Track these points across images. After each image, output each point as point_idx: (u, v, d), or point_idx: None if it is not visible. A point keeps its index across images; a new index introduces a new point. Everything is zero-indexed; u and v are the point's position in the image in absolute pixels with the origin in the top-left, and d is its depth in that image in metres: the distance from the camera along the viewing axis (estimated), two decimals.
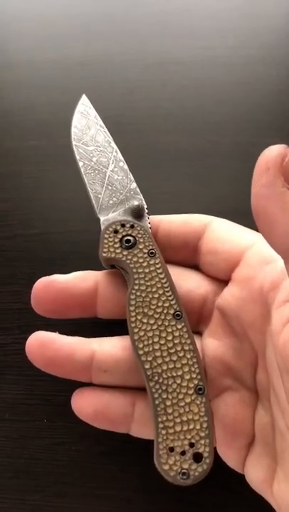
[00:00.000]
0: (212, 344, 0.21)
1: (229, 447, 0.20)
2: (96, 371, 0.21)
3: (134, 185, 0.24)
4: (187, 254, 0.23)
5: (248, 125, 0.29)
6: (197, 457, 0.18)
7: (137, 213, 0.22)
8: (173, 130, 0.30)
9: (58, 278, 0.22)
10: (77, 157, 0.25)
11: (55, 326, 0.26)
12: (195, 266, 0.23)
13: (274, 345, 0.18)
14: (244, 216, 0.23)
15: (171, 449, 0.18)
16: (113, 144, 0.26)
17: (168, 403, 0.18)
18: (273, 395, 0.19)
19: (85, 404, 0.21)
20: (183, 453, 0.18)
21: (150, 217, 0.23)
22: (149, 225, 0.22)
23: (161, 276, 0.20)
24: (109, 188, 0.24)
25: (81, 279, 0.22)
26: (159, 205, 0.24)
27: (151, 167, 0.29)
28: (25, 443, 0.24)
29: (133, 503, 0.23)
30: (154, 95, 0.31)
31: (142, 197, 0.24)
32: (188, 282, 0.22)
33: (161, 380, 0.19)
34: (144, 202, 0.23)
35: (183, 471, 0.18)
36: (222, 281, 0.22)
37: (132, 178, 0.25)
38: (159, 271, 0.20)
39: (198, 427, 0.18)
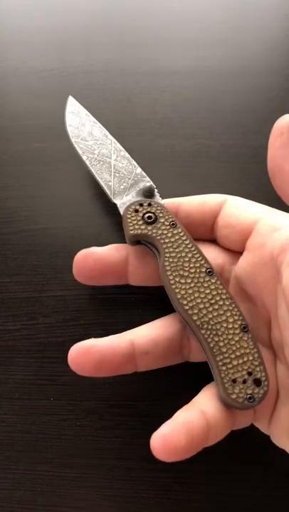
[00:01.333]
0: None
1: (260, 407, 0.21)
2: (139, 356, 0.22)
3: (138, 169, 0.26)
4: (205, 230, 0.25)
5: (237, 129, 0.31)
6: (257, 382, 0.20)
7: (150, 193, 0.25)
8: (168, 134, 0.32)
9: (95, 249, 0.25)
10: (80, 152, 0.27)
11: (60, 312, 0.28)
12: (212, 241, 0.25)
13: (285, 299, 0.20)
14: None
15: (234, 381, 0.20)
16: (110, 136, 0.28)
17: (221, 344, 0.21)
18: (287, 348, 0.21)
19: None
20: (244, 381, 0.20)
21: (169, 199, 0.25)
22: (162, 202, 0.25)
23: (187, 242, 0.23)
24: (117, 175, 0.26)
25: (115, 250, 0.24)
26: None
27: (148, 168, 0.31)
28: (34, 419, 0.26)
29: (134, 472, 0.25)
30: (150, 102, 0.33)
31: (148, 179, 0.26)
32: (207, 254, 0.24)
33: (210, 327, 0.21)
34: (152, 182, 0.26)
35: (248, 396, 0.20)
36: (237, 252, 0.24)
37: (136, 163, 0.27)
38: (183, 238, 0.23)
39: (250, 358, 0.20)
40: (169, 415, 0.21)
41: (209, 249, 0.25)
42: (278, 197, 0.28)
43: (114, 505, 0.24)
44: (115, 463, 0.25)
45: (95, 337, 0.23)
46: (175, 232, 0.23)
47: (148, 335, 0.23)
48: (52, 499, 0.25)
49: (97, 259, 0.24)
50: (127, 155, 0.27)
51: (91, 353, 0.22)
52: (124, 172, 0.26)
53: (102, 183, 0.26)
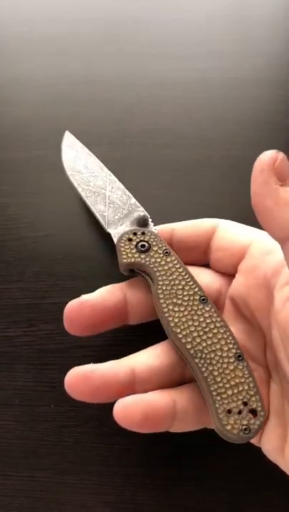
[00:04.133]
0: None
1: None
2: (139, 384, 0.22)
3: (133, 200, 0.27)
4: (199, 254, 0.25)
5: (237, 140, 0.32)
6: (253, 412, 0.20)
7: (143, 222, 0.25)
8: (170, 144, 0.32)
9: (88, 297, 0.23)
10: (75, 184, 0.28)
11: (61, 319, 0.28)
12: (205, 265, 0.26)
13: (278, 323, 0.21)
14: (238, 220, 0.26)
15: (229, 411, 0.20)
16: (105, 169, 0.28)
17: (215, 373, 0.20)
18: (280, 369, 0.21)
19: (130, 412, 0.21)
20: (239, 412, 0.20)
21: (162, 225, 0.25)
22: (156, 231, 0.25)
23: (180, 270, 0.23)
24: (112, 206, 0.26)
25: (110, 294, 0.23)
26: (158, 213, 0.27)
27: (149, 178, 0.31)
28: (34, 426, 0.26)
29: (134, 478, 0.25)
30: (151, 112, 0.34)
31: (142, 208, 0.26)
32: (204, 279, 0.24)
33: (204, 356, 0.21)
34: (146, 212, 0.26)
35: (244, 427, 0.20)
36: (230, 275, 0.25)
37: (130, 194, 0.27)
38: (177, 266, 0.23)
39: (246, 387, 0.20)
40: None
41: (204, 274, 0.25)
42: None
43: (114, 511, 0.25)
44: (115, 470, 0.25)
45: (93, 362, 0.22)
46: (168, 260, 0.23)
47: (149, 364, 0.22)
48: (52, 506, 0.25)
49: (94, 306, 0.23)
50: (122, 186, 0.27)
51: (89, 379, 0.21)
52: (119, 202, 0.26)
53: (97, 214, 0.26)
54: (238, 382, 0.20)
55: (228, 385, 0.20)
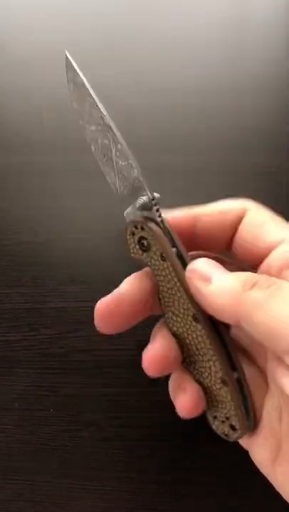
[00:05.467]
0: (233, 333, 0.24)
1: None
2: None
3: (135, 172, 0.22)
4: (225, 243, 0.23)
5: (235, 146, 0.32)
6: (232, 427, 0.21)
7: (145, 208, 0.22)
8: (168, 150, 0.33)
9: (117, 296, 0.21)
10: (88, 140, 0.23)
11: (61, 323, 0.29)
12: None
13: None
14: None
15: (215, 417, 0.21)
16: (106, 120, 0.23)
17: (204, 384, 0.21)
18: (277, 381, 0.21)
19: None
20: (223, 421, 0.21)
21: (183, 211, 0.23)
22: (160, 219, 0.22)
23: (175, 280, 0.21)
24: (120, 176, 0.23)
25: (139, 285, 0.22)
26: None
27: (148, 182, 0.32)
28: (34, 430, 0.26)
29: (133, 483, 0.25)
30: (150, 118, 0.34)
31: (145, 186, 0.22)
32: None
33: (196, 368, 0.21)
34: (148, 192, 0.22)
35: (225, 432, 0.21)
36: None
37: (133, 163, 0.23)
38: (172, 274, 0.21)
39: (228, 407, 0.21)
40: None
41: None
42: (273, 211, 0.28)
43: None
44: (114, 474, 0.25)
45: None
46: (165, 266, 0.21)
47: None
48: (51, 509, 0.25)
49: (128, 301, 0.21)
50: (124, 148, 0.23)
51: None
52: (125, 173, 0.23)
53: (112, 186, 0.23)
54: (222, 400, 0.21)
55: (214, 399, 0.21)
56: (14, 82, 0.36)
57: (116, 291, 0.21)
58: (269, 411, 0.22)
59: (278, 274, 0.21)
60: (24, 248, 0.30)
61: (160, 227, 0.22)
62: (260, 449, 0.21)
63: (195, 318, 0.21)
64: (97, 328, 0.21)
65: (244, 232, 0.23)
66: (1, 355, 0.28)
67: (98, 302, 0.21)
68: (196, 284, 0.20)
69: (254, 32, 0.38)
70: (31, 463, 0.26)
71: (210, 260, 0.21)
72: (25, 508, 0.25)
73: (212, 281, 0.19)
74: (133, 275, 0.22)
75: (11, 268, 0.30)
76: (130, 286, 0.22)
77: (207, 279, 0.20)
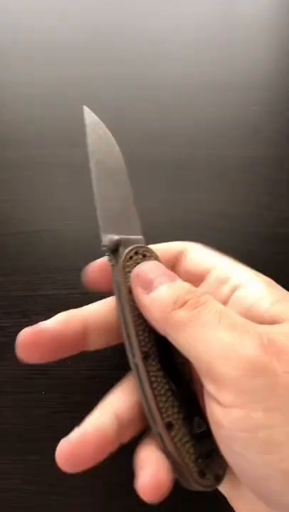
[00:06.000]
0: None
1: None
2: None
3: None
4: None
5: (222, 140, 0.33)
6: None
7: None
8: (157, 143, 0.34)
9: (43, 328, 0.22)
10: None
11: (52, 310, 0.30)
12: None
13: None
14: (219, 216, 0.27)
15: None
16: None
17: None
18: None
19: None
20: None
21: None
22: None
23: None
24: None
25: (68, 323, 0.22)
26: (146, 211, 0.28)
27: (137, 176, 0.33)
28: (26, 412, 0.27)
29: (122, 460, 0.26)
30: (141, 113, 0.35)
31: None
32: None
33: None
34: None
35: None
36: None
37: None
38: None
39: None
40: None
41: None
42: (258, 202, 0.29)
43: (103, 492, 0.26)
44: None
45: None
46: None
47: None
48: (43, 487, 0.26)
49: (50, 338, 0.21)
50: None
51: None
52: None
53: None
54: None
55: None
56: (7, 77, 0.38)
57: (41, 324, 0.22)
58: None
59: (215, 290, 0.22)
60: (17, 238, 0.31)
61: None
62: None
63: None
64: (21, 358, 0.21)
65: (186, 262, 0.24)
66: None
67: (20, 332, 0.21)
68: (136, 291, 0.20)
69: (242, 30, 0.39)
70: (24, 443, 0.27)
71: (161, 264, 0.21)
72: (17, 485, 0.26)
73: (152, 289, 0.19)
74: (63, 313, 0.22)
75: (5, 257, 0.31)
76: (56, 321, 0.22)
77: (147, 287, 0.20)
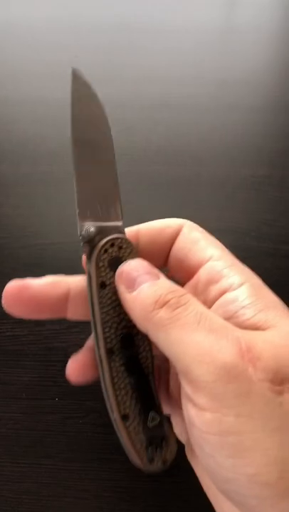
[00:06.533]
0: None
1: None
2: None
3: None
4: (164, 258, 0.24)
5: (225, 160, 0.35)
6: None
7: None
8: (162, 162, 0.36)
9: (30, 283, 0.21)
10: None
11: (65, 320, 0.31)
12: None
13: None
14: (223, 232, 0.28)
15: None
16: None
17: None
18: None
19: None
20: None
21: (130, 228, 0.23)
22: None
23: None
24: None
25: (52, 286, 0.22)
26: None
27: (142, 192, 0.35)
28: (40, 418, 0.28)
29: (132, 464, 0.27)
30: (146, 132, 0.37)
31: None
32: None
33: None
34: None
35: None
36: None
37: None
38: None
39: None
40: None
41: None
42: (260, 219, 0.31)
43: (113, 495, 0.27)
44: (115, 457, 0.28)
45: None
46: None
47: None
48: (56, 490, 0.27)
49: (33, 294, 0.21)
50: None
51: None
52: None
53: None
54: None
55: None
56: (19, 95, 0.39)
57: (27, 280, 0.21)
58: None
59: (204, 289, 0.22)
60: (31, 251, 0.33)
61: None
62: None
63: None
64: (4, 308, 0.21)
65: (177, 248, 0.23)
66: (9, 349, 0.30)
67: (8, 283, 0.21)
68: (120, 289, 0.20)
69: (247, 54, 0.42)
70: (37, 447, 0.28)
71: (145, 263, 0.20)
72: (32, 488, 0.27)
73: (134, 288, 0.19)
74: (52, 277, 0.22)
75: (18, 269, 0.32)
76: (43, 282, 0.22)
77: (130, 286, 0.20)
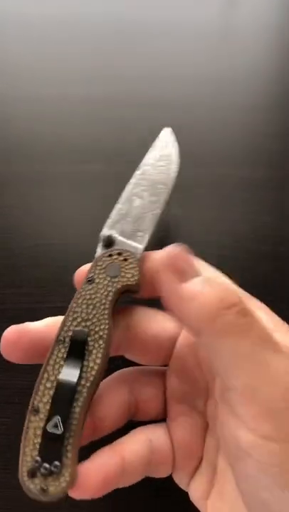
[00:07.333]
0: (172, 378, 0.23)
1: (183, 469, 0.22)
2: (98, 425, 0.22)
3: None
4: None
5: (225, 160, 0.35)
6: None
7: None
8: None
9: (30, 326, 0.22)
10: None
11: None
12: None
13: (221, 384, 0.20)
14: (222, 233, 0.28)
15: None
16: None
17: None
18: (219, 422, 0.20)
19: (91, 482, 0.19)
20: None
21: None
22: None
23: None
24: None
25: (52, 329, 0.22)
26: None
27: None
28: None
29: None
30: (146, 132, 0.36)
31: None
32: (154, 326, 0.23)
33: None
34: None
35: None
36: None
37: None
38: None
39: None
40: None
41: (159, 319, 0.24)
42: (259, 221, 0.31)
43: (110, 502, 0.26)
44: None
45: None
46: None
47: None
48: None
49: (34, 338, 0.21)
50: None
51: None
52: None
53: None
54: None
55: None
56: (15, 93, 0.39)
57: (26, 324, 0.22)
58: (207, 448, 0.22)
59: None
60: (26, 251, 0.32)
61: None
62: (196, 485, 0.21)
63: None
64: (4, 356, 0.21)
65: None
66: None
67: (6, 330, 0.21)
68: (168, 277, 0.17)
69: (247, 53, 0.41)
70: None
71: (188, 255, 0.19)
72: (25, 497, 0.26)
73: (186, 279, 0.17)
74: (51, 318, 0.23)
75: (14, 270, 0.32)
76: (44, 324, 0.22)
77: (183, 276, 0.17)
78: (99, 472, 0.19)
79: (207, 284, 0.17)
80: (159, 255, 0.22)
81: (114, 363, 0.25)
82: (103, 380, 0.23)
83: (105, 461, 0.20)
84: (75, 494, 0.19)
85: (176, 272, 0.17)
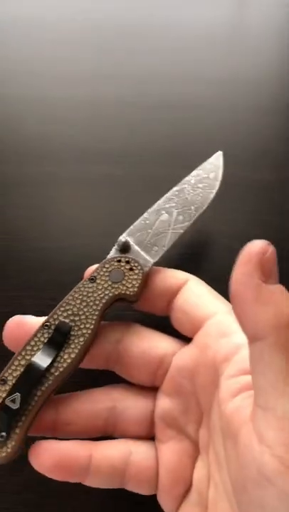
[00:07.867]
0: (163, 400, 0.23)
1: (169, 493, 0.22)
2: (60, 425, 0.23)
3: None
4: (162, 305, 0.25)
5: (228, 161, 0.35)
6: None
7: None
8: (167, 163, 0.35)
9: (31, 319, 0.24)
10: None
11: None
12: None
13: (220, 413, 0.19)
14: (225, 234, 0.27)
15: None
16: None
17: None
18: (212, 451, 0.20)
19: (44, 458, 0.21)
20: None
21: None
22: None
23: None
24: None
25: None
26: None
27: (148, 195, 0.34)
28: None
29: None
30: (151, 132, 0.37)
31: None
32: (145, 343, 0.24)
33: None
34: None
35: None
36: (184, 339, 0.24)
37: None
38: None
39: None
40: None
41: (150, 337, 0.24)
42: (263, 221, 0.30)
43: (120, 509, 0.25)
44: None
45: None
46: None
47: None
48: (57, 501, 0.26)
49: (32, 329, 0.23)
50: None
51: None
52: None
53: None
54: None
55: None
56: (22, 93, 0.39)
57: (29, 316, 0.24)
58: (198, 477, 0.22)
59: (215, 342, 0.22)
60: (35, 254, 0.32)
61: None
62: None
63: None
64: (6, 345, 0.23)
65: (182, 300, 0.24)
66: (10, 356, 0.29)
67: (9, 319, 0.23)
68: (251, 270, 0.16)
69: (255, 54, 0.42)
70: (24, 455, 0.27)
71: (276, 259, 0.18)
72: (31, 499, 0.26)
73: (268, 281, 0.16)
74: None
75: (22, 272, 0.32)
76: (42, 318, 0.24)
77: (267, 275, 0.16)
78: (53, 453, 0.21)
79: (287, 295, 0.16)
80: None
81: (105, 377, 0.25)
82: (85, 390, 0.24)
83: (67, 448, 0.21)
84: (33, 463, 0.21)
85: (262, 269, 0.16)
